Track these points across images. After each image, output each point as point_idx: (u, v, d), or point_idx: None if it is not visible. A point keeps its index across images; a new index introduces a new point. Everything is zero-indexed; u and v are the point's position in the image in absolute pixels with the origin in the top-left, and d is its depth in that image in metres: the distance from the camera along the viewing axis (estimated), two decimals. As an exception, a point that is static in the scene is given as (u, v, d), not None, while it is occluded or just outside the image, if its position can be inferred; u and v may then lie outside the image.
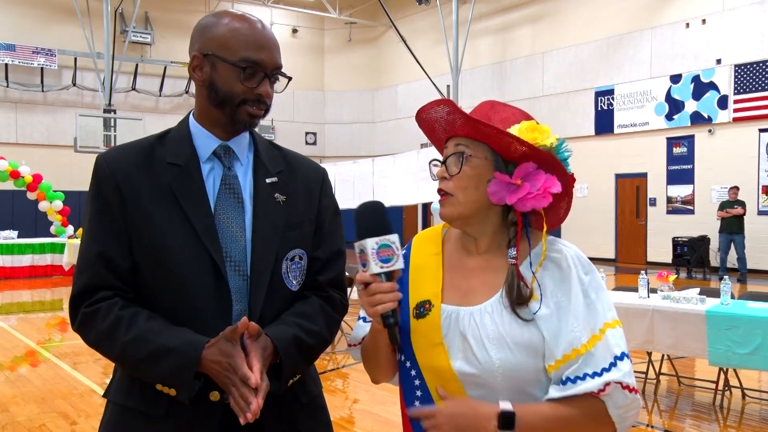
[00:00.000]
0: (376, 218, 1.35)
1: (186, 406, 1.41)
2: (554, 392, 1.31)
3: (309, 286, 1.57)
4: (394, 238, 1.34)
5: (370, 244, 1.32)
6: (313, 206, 1.60)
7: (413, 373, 1.40)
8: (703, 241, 14.71)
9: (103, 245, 1.46)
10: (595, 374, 1.29)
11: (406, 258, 1.50)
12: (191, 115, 1.58)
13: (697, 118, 15.43)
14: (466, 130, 1.40)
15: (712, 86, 15.15)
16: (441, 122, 1.45)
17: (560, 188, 1.36)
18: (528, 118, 1.42)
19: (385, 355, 1.46)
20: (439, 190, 1.41)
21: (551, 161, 1.37)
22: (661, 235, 15.97)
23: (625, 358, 1.31)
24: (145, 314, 1.44)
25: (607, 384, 1.27)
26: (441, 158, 1.46)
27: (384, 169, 12.41)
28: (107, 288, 1.46)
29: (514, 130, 1.37)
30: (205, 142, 1.54)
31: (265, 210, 1.48)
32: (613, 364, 1.29)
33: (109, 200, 1.47)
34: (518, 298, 1.34)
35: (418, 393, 1.40)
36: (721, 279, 5.65)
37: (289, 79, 1.57)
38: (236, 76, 1.47)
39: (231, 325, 1.42)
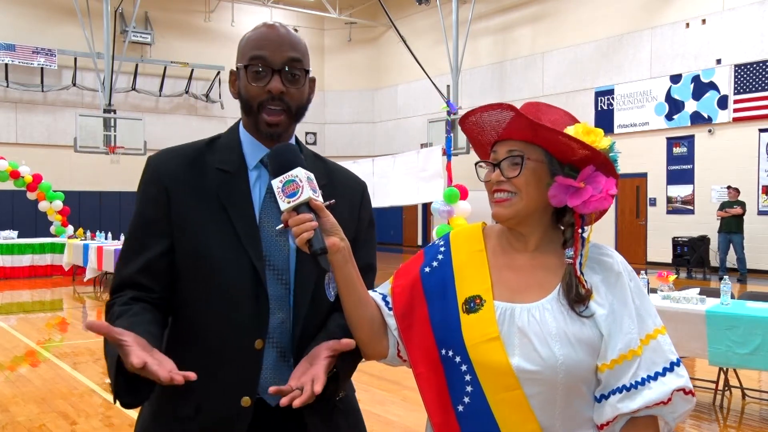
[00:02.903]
0: (280, 160, 1.41)
1: (214, 409, 1.43)
2: (629, 403, 1.33)
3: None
4: (296, 172, 1.38)
5: (276, 184, 1.38)
6: (353, 219, 1.62)
7: (464, 368, 1.38)
8: (703, 241, 14.72)
9: (142, 246, 1.49)
10: (650, 378, 1.33)
11: (447, 255, 1.52)
12: (240, 124, 1.60)
13: (697, 118, 15.43)
14: (525, 134, 1.41)
15: (712, 86, 15.15)
16: (494, 125, 1.46)
17: (617, 190, 1.40)
18: (574, 120, 1.45)
19: (354, 306, 1.46)
20: (497, 191, 1.42)
21: (607, 163, 1.40)
22: (661, 235, 15.97)
23: (681, 363, 1.37)
24: (131, 311, 1.42)
25: (674, 391, 1.32)
26: (484, 161, 1.47)
27: (384, 169, 12.40)
28: (135, 287, 1.48)
29: (569, 132, 1.40)
30: (252, 149, 1.56)
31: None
32: (669, 369, 1.34)
33: (154, 201, 1.50)
34: (577, 296, 1.36)
35: (468, 389, 1.37)
36: (721, 279, 5.65)
37: (307, 72, 1.54)
38: (247, 78, 1.50)
39: (268, 333, 1.46)
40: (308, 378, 1.35)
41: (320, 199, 1.39)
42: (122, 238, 13.78)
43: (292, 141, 1.60)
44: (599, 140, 1.38)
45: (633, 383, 1.33)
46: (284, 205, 1.37)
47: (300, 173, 1.38)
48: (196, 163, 1.53)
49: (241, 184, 1.52)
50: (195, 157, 1.54)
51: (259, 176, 1.55)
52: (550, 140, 1.39)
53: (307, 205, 1.37)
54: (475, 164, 1.49)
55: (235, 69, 1.56)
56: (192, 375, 1.26)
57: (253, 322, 1.45)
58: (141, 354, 1.24)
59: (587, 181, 1.38)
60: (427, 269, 1.52)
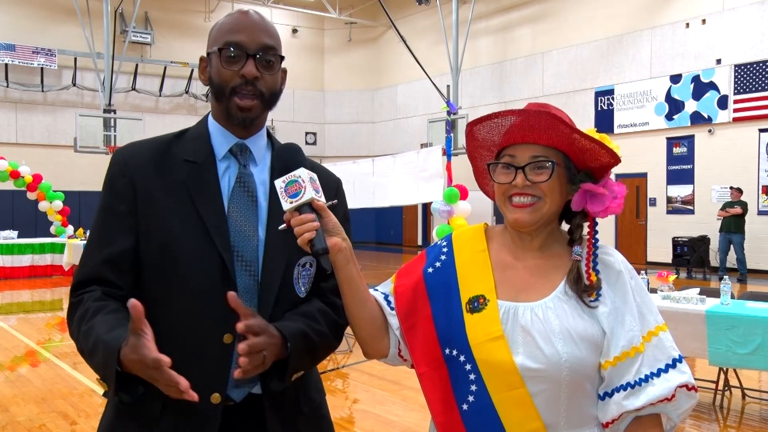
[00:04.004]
0: (284, 159, 1.42)
1: (183, 406, 1.35)
2: (634, 400, 1.34)
3: (312, 291, 1.55)
4: (299, 173, 1.38)
5: (278, 184, 1.38)
6: None
7: (468, 367, 1.39)
8: (703, 241, 14.72)
9: (109, 239, 1.45)
10: (652, 374, 1.34)
11: (450, 255, 1.52)
12: (210, 115, 1.58)
13: (697, 118, 15.43)
14: (555, 140, 1.41)
15: (712, 86, 15.15)
16: (500, 128, 1.45)
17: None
18: (573, 122, 1.47)
19: (356, 305, 1.47)
20: (518, 195, 1.41)
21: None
22: (661, 235, 15.97)
23: (683, 359, 1.39)
24: (110, 307, 1.39)
25: (677, 387, 1.34)
26: (504, 163, 1.45)
27: (384, 169, 12.39)
28: (102, 282, 1.43)
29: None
30: (221, 139, 1.53)
31: (281, 212, 1.42)
32: (671, 366, 1.36)
33: (121, 195, 1.46)
34: (586, 286, 1.39)
35: (473, 388, 1.38)
36: (721, 279, 5.65)
37: (282, 58, 1.52)
38: (221, 62, 1.47)
39: (237, 326, 1.39)
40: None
41: (322, 199, 1.40)
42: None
43: (263, 132, 1.58)
44: (614, 147, 1.42)
45: (636, 380, 1.34)
46: (287, 205, 1.37)
47: (303, 174, 1.38)
48: (163, 156, 1.49)
49: (208, 175, 1.49)
50: (162, 149, 1.51)
51: (228, 167, 1.52)
52: (582, 148, 1.40)
53: (310, 206, 1.37)
54: (488, 165, 1.48)
55: (205, 56, 1.53)
56: (195, 396, 1.24)
57: (222, 315, 1.40)
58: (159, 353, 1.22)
59: (604, 186, 1.43)
60: (430, 270, 1.52)
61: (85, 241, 11.15)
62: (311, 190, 1.37)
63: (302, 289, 1.50)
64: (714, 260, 14.45)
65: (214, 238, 1.43)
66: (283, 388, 1.43)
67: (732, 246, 13.86)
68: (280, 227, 1.40)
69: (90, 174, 19.58)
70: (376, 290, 1.57)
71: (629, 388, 1.34)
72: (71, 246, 14.00)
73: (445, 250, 1.55)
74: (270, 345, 1.35)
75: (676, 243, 14.88)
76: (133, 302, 1.23)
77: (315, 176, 1.41)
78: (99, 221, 1.48)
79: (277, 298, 1.47)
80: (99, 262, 1.44)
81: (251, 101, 1.47)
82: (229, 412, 1.44)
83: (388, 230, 24.27)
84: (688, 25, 15.65)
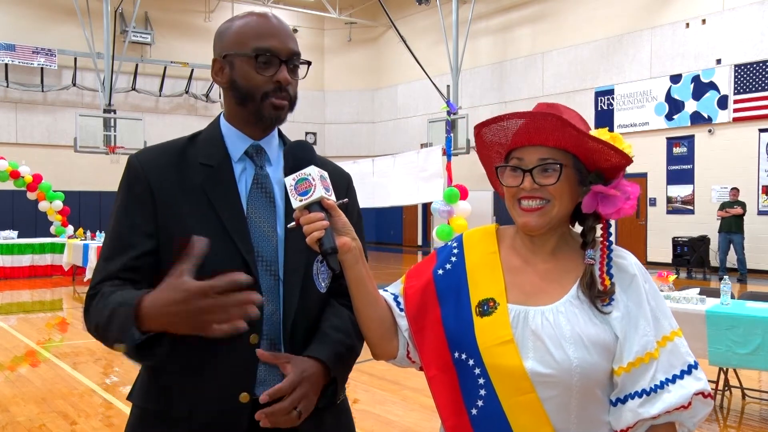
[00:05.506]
0: (295, 157, 1.43)
1: (211, 407, 1.41)
2: (650, 408, 1.31)
3: (332, 290, 1.55)
4: (309, 170, 1.38)
5: (288, 182, 1.38)
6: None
7: (477, 371, 1.37)
8: (703, 241, 14.72)
9: (128, 245, 1.45)
10: (668, 380, 1.31)
11: (461, 257, 1.51)
12: (222, 117, 1.58)
13: (697, 118, 15.43)
14: (564, 141, 1.39)
15: (712, 86, 15.15)
16: (506, 130, 1.43)
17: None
18: (585, 120, 1.44)
19: (365, 306, 1.47)
20: (527, 198, 1.39)
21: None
22: (661, 235, 15.97)
23: (698, 366, 1.36)
24: (127, 287, 1.40)
25: (695, 394, 1.31)
26: (512, 166, 1.42)
27: (384, 169, 12.40)
28: (121, 281, 1.44)
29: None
30: (236, 142, 1.54)
31: None
32: (687, 372, 1.33)
33: (140, 199, 1.46)
34: (600, 291, 1.36)
35: (482, 392, 1.36)
36: (721, 279, 5.65)
37: (309, 63, 1.56)
38: (253, 68, 1.48)
39: (262, 326, 1.43)
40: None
41: (333, 197, 1.39)
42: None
43: (275, 132, 1.61)
44: (626, 147, 1.40)
45: (652, 387, 1.31)
46: (296, 203, 1.36)
47: (313, 171, 1.38)
48: (179, 160, 1.51)
49: (225, 178, 1.50)
50: (177, 153, 1.52)
51: (244, 168, 1.53)
52: (590, 149, 1.38)
53: (319, 204, 1.37)
54: (496, 168, 1.46)
55: (220, 58, 1.53)
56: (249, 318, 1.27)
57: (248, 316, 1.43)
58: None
59: (616, 187, 1.40)
60: (440, 271, 1.50)
61: (85, 242, 10.99)
62: (321, 188, 1.36)
63: (322, 284, 1.51)
64: (714, 260, 14.46)
65: (235, 240, 1.44)
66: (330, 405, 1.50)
67: (732, 246, 13.86)
68: (288, 225, 1.40)
69: (90, 174, 19.59)
70: (386, 291, 1.55)
71: (644, 395, 1.31)
72: (71, 246, 14.00)
73: (455, 251, 1.53)
74: (306, 396, 1.40)
75: (676, 243, 14.88)
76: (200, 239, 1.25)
77: (326, 174, 1.40)
78: (117, 226, 1.48)
79: (300, 295, 1.48)
80: (118, 267, 1.44)
81: (285, 101, 1.52)
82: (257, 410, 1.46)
83: (388, 230, 24.27)
84: (688, 25, 15.65)
